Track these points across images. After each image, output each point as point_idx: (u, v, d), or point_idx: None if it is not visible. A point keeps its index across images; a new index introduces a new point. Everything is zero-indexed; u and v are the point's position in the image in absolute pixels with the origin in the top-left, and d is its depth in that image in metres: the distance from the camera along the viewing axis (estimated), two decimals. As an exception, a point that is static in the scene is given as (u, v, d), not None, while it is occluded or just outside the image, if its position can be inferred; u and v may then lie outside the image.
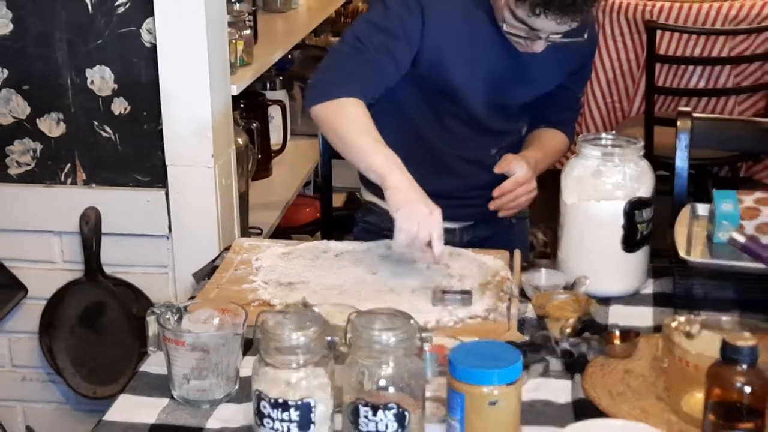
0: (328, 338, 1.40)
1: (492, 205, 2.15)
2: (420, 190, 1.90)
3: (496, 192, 2.13)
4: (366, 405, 1.34)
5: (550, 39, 2.02)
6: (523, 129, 2.34)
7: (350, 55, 2.05)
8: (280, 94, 3.48)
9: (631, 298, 1.90)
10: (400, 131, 2.16)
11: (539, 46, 2.03)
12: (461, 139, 2.23)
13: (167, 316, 1.57)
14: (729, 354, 1.33)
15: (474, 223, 2.33)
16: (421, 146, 2.20)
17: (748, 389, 1.32)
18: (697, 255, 1.88)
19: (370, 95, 2.04)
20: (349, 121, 1.97)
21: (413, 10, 2.06)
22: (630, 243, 1.87)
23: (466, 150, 2.25)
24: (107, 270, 2.48)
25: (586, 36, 2.08)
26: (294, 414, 1.36)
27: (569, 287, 1.83)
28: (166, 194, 2.40)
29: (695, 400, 1.45)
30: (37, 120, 2.42)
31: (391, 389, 1.34)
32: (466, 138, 2.24)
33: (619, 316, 1.84)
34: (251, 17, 2.92)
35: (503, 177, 2.25)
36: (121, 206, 2.44)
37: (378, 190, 2.32)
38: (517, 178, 2.12)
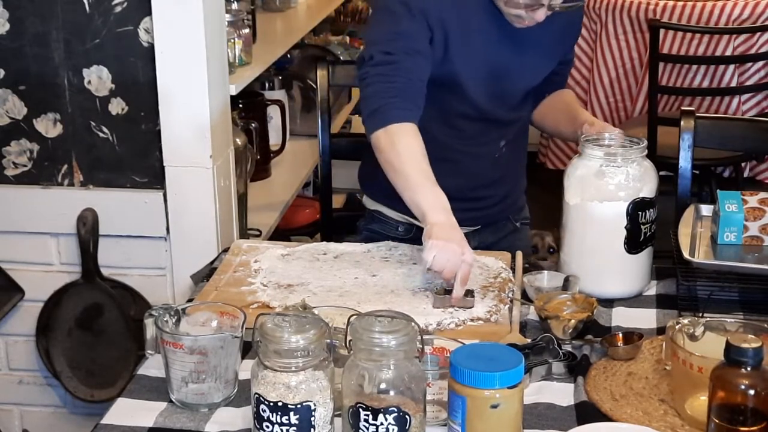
0: (328, 341, 1.39)
1: None
2: (460, 233, 1.88)
3: None
4: (366, 408, 1.34)
5: (552, 5, 2.01)
6: (529, 115, 2.34)
7: (387, 72, 2.02)
8: (279, 94, 3.46)
9: (635, 300, 1.90)
10: None
11: (541, 14, 2.02)
12: (470, 135, 2.23)
13: (165, 319, 1.56)
14: (733, 356, 1.32)
15: (479, 228, 2.32)
16: (427, 145, 2.19)
17: (752, 392, 1.31)
18: (701, 256, 1.88)
19: (422, 101, 2.03)
20: (402, 152, 1.95)
21: (414, 10, 2.05)
22: (633, 244, 1.86)
23: (475, 145, 2.24)
24: (105, 272, 2.47)
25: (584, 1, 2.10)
26: (293, 417, 1.35)
27: (562, 288, 1.83)
28: (164, 195, 2.39)
29: (699, 402, 1.45)
30: (34, 120, 2.41)
31: (392, 392, 1.34)
32: (475, 134, 2.23)
33: (622, 317, 1.84)
34: (250, 16, 2.91)
35: (509, 173, 2.28)
36: (119, 207, 2.43)
37: (381, 198, 2.32)
38: None
